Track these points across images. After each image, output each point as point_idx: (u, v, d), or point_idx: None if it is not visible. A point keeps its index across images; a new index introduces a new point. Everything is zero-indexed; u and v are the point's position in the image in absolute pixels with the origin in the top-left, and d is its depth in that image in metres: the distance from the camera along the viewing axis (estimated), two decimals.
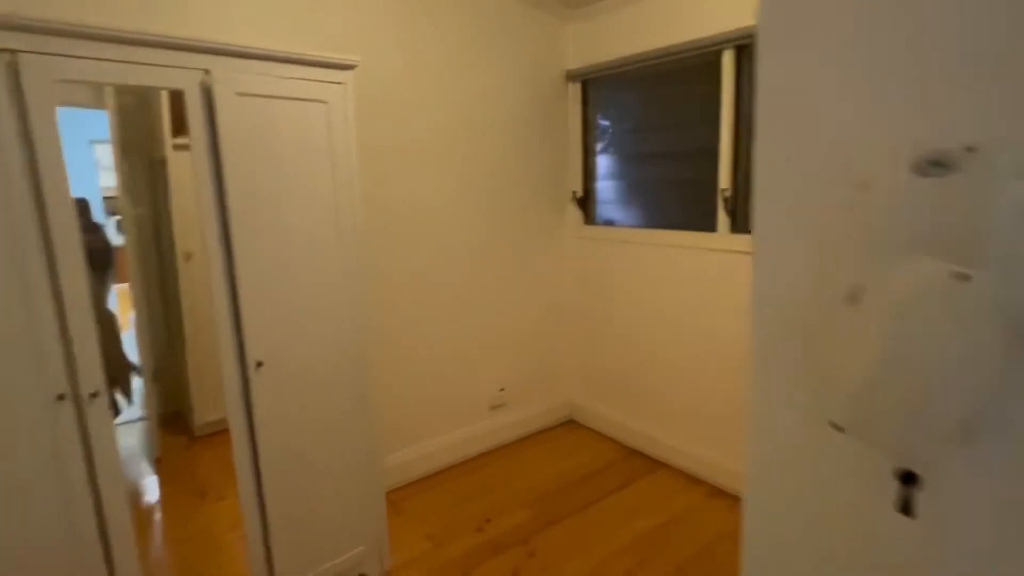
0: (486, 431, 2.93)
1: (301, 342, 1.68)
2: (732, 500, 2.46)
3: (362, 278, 1.80)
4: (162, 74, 1.40)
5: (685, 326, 2.63)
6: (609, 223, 3.03)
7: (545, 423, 3.20)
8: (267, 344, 1.60)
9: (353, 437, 1.83)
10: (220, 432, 2.74)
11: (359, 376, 1.82)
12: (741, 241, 2.35)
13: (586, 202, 3.10)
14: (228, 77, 1.46)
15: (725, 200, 2.40)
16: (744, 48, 2.27)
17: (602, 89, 2.94)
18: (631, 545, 2.17)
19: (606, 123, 2.98)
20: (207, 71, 1.44)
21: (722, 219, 2.43)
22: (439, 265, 2.64)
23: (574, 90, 3.00)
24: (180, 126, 2.49)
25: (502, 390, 2.98)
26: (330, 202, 1.70)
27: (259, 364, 1.59)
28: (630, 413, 2.96)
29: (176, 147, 2.35)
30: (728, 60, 2.31)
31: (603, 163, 3.03)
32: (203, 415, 2.68)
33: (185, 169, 2.63)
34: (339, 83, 1.66)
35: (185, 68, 1.42)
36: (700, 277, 2.53)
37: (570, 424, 3.27)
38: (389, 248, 2.45)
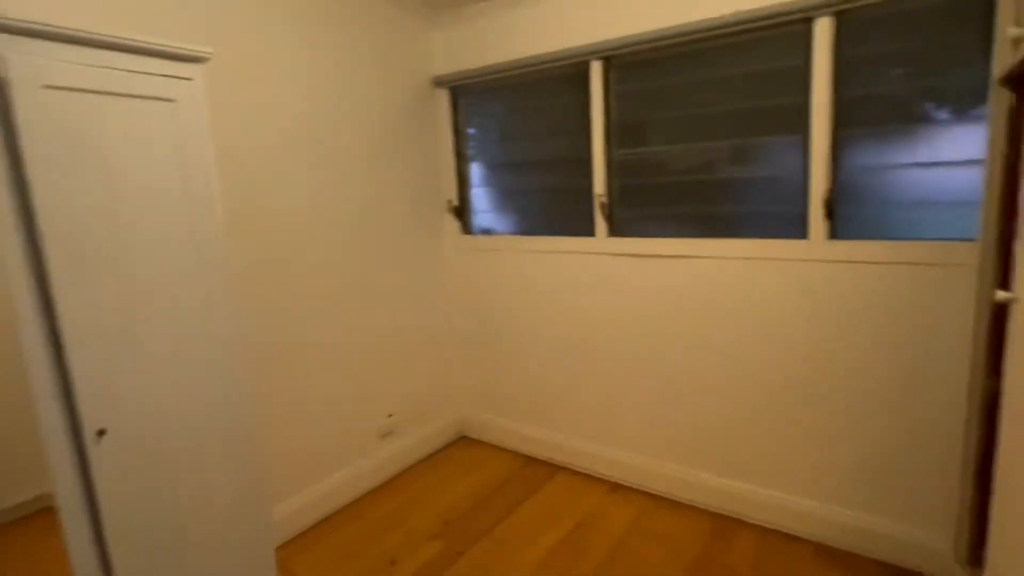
0: (377, 463, 2.69)
1: (158, 395, 1.35)
2: (631, 493, 2.56)
3: (231, 311, 1.51)
4: None
5: (571, 329, 2.67)
6: (488, 232, 2.99)
7: (437, 444, 3.05)
8: (110, 406, 1.26)
9: (232, 495, 1.53)
10: (18, 521, 2.16)
11: (237, 424, 1.53)
12: (618, 244, 2.46)
13: (463, 211, 3.02)
14: (30, 64, 1.12)
15: (602, 205, 2.49)
16: (610, 59, 2.37)
17: (472, 96, 2.89)
18: (547, 560, 2.13)
19: (477, 131, 2.94)
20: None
21: (600, 224, 2.51)
22: (311, 288, 2.36)
23: (442, 97, 2.91)
24: None
25: (390, 416, 2.77)
26: (185, 223, 1.40)
27: (101, 432, 1.24)
28: (524, 421, 2.94)
29: None
30: (596, 70, 2.40)
31: (477, 171, 2.98)
32: None
33: None
34: (188, 79, 1.38)
35: None
36: (583, 280, 2.59)
37: (463, 441, 3.16)
38: (255, 273, 2.13)
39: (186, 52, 1.36)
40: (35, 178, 1.13)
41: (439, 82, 2.87)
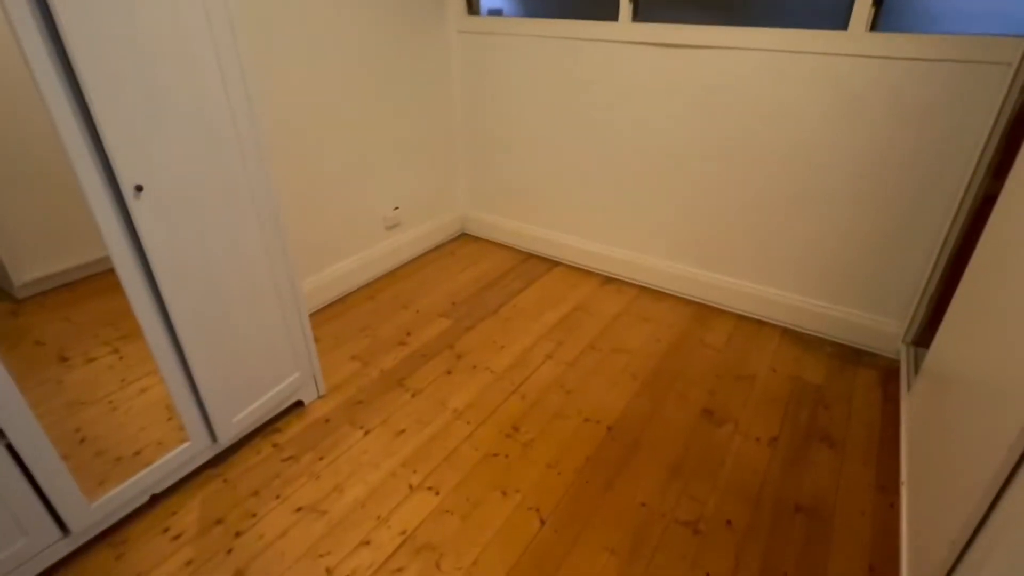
0: (385, 251, 2.82)
1: (189, 159, 1.34)
2: (621, 284, 2.78)
3: (253, 87, 1.42)
4: None
5: (582, 126, 2.61)
6: (496, 12, 2.71)
7: (440, 238, 3.17)
8: (144, 165, 1.25)
9: (266, 261, 1.62)
10: (56, 290, 2.28)
11: (266, 193, 1.55)
12: (643, 30, 2.28)
13: None
14: None
15: None
16: None
17: None
18: (547, 333, 2.38)
19: None
20: None
21: (624, 5, 2.30)
22: (316, 75, 2.19)
23: None
24: None
25: (396, 208, 2.82)
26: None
27: (139, 188, 1.25)
28: (524, 219, 3.04)
29: None
30: None
31: None
32: (23, 273, 2.18)
33: None
34: None
35: None
36: (601, 70, 2.46)
37: (465, 237, 3.28)
38: (271, 57, 1.95)
39: None
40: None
41: None
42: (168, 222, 1.34)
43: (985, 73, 1.73)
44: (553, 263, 2.98)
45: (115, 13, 1.12)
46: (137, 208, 1.26)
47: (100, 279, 2.23)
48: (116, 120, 1.18)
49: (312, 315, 2.48)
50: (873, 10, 1.86)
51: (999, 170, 1.76)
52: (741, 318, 2.50)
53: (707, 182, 2.38)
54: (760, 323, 2.46)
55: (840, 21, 1.93)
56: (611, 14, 2.35)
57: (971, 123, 1.80)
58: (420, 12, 2.60)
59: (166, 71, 1.25)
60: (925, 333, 2.10)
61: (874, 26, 1.89)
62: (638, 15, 2.31)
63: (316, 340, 2.30)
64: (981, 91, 1.75)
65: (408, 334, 2.37)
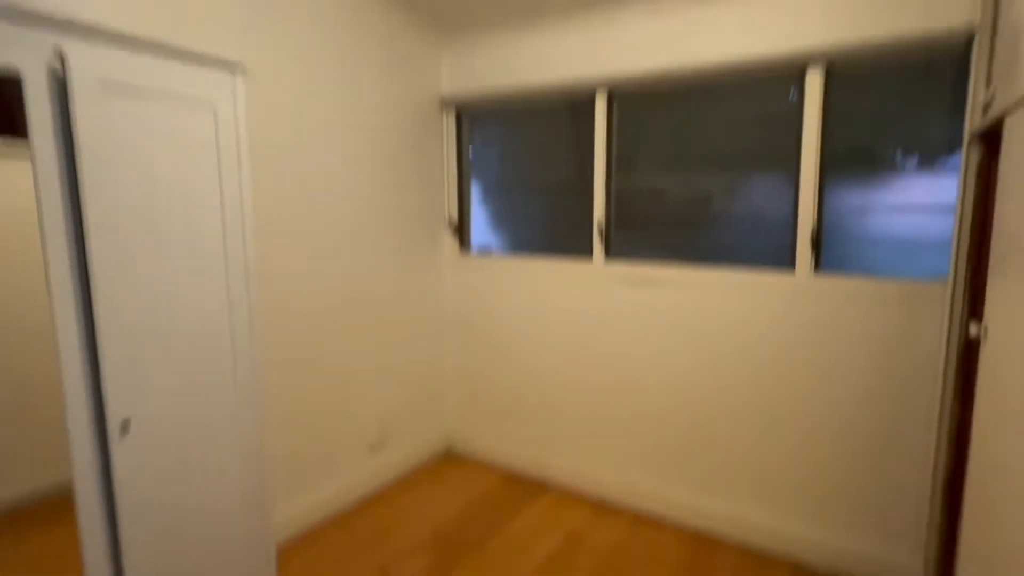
0: (366, 475, 2.70)
1: (180, 390, 1.37)
2: (614, 509, 2.62)
3: (255, 307, 1.55)
4: None
5: (561, 348, 2.75)
6: (485, 250, 3.06)
7: (425, 458, 3.07)
8: (136, 396, 1.28)
9: (241, 495, 1.54)
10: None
11: (252, 424, 1.55)
12: (614, 267, 2.56)
13: (462, 229, 3.10)
14: (87, 61, 1.16)
15: (600, 230, 2.60)
16: (614, 92, 2.51)
17: (476, 117, 3.00)
18: (538, 573, 2.16)
19: (480, 151, 3.03)
20: (60, 53, 1.13)
21: (597, 247, 2.62)
22: (312, 294, 2.39)
23: (448, 116, 3.01)
24: None
25: (380, 429, 2.79)
26: (217, 222, 1.44)
27: (125, 423, 1.25)
28: (511, 439, 2.99)
29: None
30: (600, 101, 2.53)
31: (478, 190, 3.07)
32: None
33: None
34: (226, 86, 1.43)
35: (28, 45, 1.09)
36: (577, 302, 2.68)
37: (451, 455, 3.18)
38: (264, 278, 2.15)
39: (227, 59, 1.42)
40: (84, 169, 1.16)
41: (445, 102, 2.97)
42: (149, 465, 1.31)
43: (921, 309, 1.94)
44: (542, 485, 2.85)
45: (136, 253, 1.27)
46: (120, 448, 1.25)
47: (39, 510, 2.05)
48: (115, 344, 1.23)
49: (285, 543, 2.26)
50: (813, 255, 2.14)
51: (965, 398, 1.83)
52: (745, 552, 2.31)
53: (687, 406, 2.43)
54: (767, 558, 2.27)
55: (789, 263, 2.21)
56: (587, 251, 2.67)
57: (922, 352, 1.94)
58: (417, 247, 2.92)
59: (177, 302, 1.35)
60: (944, 569, 1.94)
61: (818, 266, 2.16)
62: (610, 253, 2.62)
63: (284, 574, 2.05)
64: (923, 324, 1.93)
65: (385, 573, 2.14)
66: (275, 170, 2.17)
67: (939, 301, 1.91)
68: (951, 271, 1.82)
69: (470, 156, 3.05)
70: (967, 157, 1.73)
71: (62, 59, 1.12)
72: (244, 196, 1.51)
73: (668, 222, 2.48)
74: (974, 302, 1.73)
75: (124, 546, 1.28)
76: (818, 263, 2.16)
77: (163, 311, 1.33)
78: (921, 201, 1.99)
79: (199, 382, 1.42)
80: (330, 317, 2.47)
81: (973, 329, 1.53)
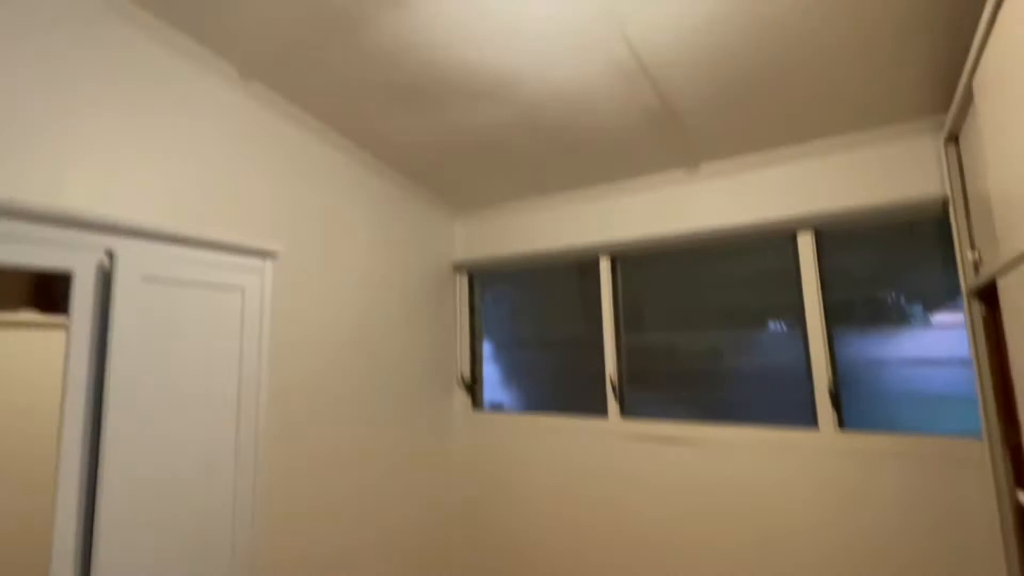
0: None
1: (175, 553, 1.28)
2: None
3: (259, 503, 1.50)
4: (48, 253, 1.18)
5: (582, 510, 2.57)
6: (498, 407, 3.02)
7: None
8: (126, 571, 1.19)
9: None
10: None
11: None
12: (630, 426, 2.49)
13: (474, 386, 3.09)
14: (135, 260, 1.28)
15: (614, 387, 2.58)
16: (617, 256, 2.66)
17: (487, 279, 3.15)
18: None
19: (491, 310, 3.14)
20: (110, 252, 1.25)
21: (612, 405, 2.58)
22: (320, 459, 2.32)
23: (461, 279, 3.17)
24: None
25: None
26: (232, 406, 1.46)
27: None
28: None
29: None
30: (604, 264, 2.68)
31: (490, 348, 3.12)
32: None
33: None
34: (257, 272, 1.55)
35: (83, 248, 1.22)
36: (594, 461, 2.57)
37: None
38: (278, 442, 2.11)
39: (262, 248, 1.56)
40: (114, 361, 1.22)
41: (458, 266, 3.15)
42: None
43: (959, 469, 1.82)
44: None
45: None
46: None
47: None
48: (111, 530, 1.18)
49: None
50: (835, 412, 2.08)
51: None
52: None
53: (722, 568, 2.19)
54: None
55: (810, 419, 2.14)
56: (601, 409, 2.61)
57: (965, 515, 1.78)
58: (431, 406, 2.89)
59: (183, 473, 1.31)
60: None
61: (842, 424, 2.08)
62: (625, 411, 2.56)
63: None
64: (963, 484, 1.80)
65: None
66: (292, 332, 2.25)
67: (978, 461, 1.80)
68: (984, 429, 1.74)
69: (482, 314, 3.15)
70: (970, 313, 1.76)
71: (111, 258, 1.24)
72: (262, 364, 1.56)
73: (681, 378, 2.47)
74: (1016, 463, 1.63)
75: None
76: (841, 419, 2.09)
77: (168, 481, 1.30)
78: (935, 353, 1.98)
79: (196, 546, 1.33)
80: (337, 479, 2.37)
81: (1022, 497, 1.42)
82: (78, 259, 1.21)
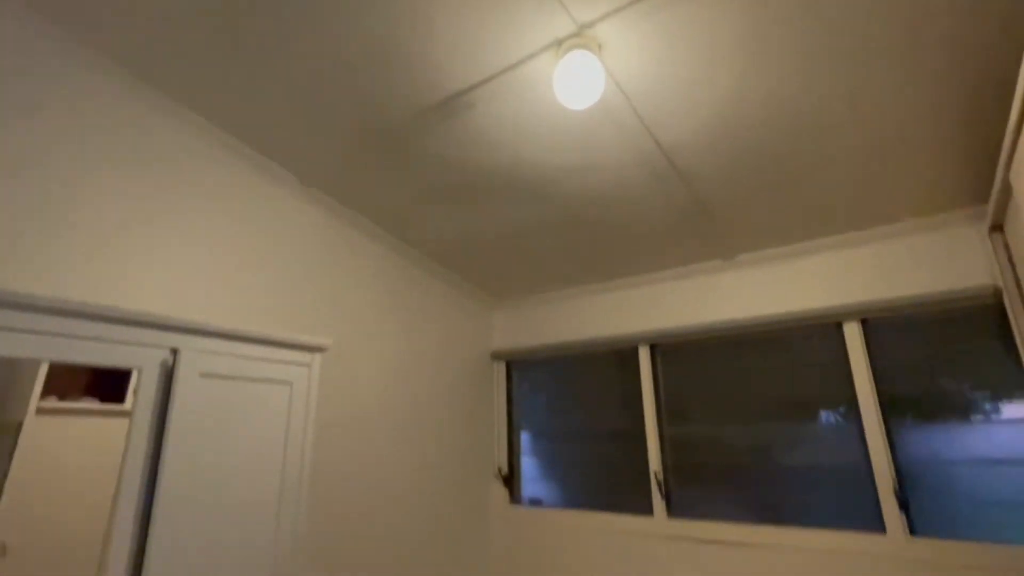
0: None
1: None
2: None
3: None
4: (116, 351, 1.26)
5: None
6: (536, 502, 2.90)
7: None
8: None
9: None
10: None
11: None
12: (678, 526, 2.34)
13: (511, 480, 3.00)
14: (195, 357, 1.36)
15: (659, 483, 2.46)
16: (656, 345, 2.64)
17: (526, 369, 3.15)
18: None
19: (530, 399, 3.11)
20: (175, 350, 1.33)
21: (658, 502, 2.45)
22: (355, 555, 2.24)
23: (499, 368, 3.18)
24: (55, 384, 2.19)
25: None
26: (273, 499, 1.47)
27: None
28: None
29: (42, 411, 2.02)
30: (644, 354, 2.65)
31: (528, 439, 3.05)
32: None
33: (47, 435, 2.22)
34: (306, 365, 1.61)
35: (149, 346, 1.30)
36: (639, 564, 2.40)
37: None
38: (319, 534, 2.07)
39: (312, 343, 1.63)
40: (170, 450, 1.26)
41: (496, 355, 3.17)
42: None
43: None
44: None
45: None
46: None
47: None
48: None
49: None
50: (904, 515, 1.91)
51: None
52: None
53: None
54: None
55: (871, 522, 1.97)
56: (645, 507, 2.47)
57: None
58: (468, 500, 2.80)
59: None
60: None
61: (912, 530, 1.91)
62: (672, 511, 2.42)
63: None
64: None
65: None
66: (333, 422, 2.27)
67: None
68: None
69: (520, 406, 3.12)
70: None
71: (175, 355, 1.32)
72: (305, 455, 1.57)
73: (729, 474, 2.34)
74: None
75: None
76: (911, 524, 1.91)
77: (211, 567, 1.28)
78: (1009, 452, 1.83)
79: None
80: (377, 565, 2.28)
81: None
82: (145, 356, 1.29)
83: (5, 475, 1.89)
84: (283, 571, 1.46)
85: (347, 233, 2.46)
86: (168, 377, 1.30)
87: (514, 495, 2.98)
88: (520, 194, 2.14)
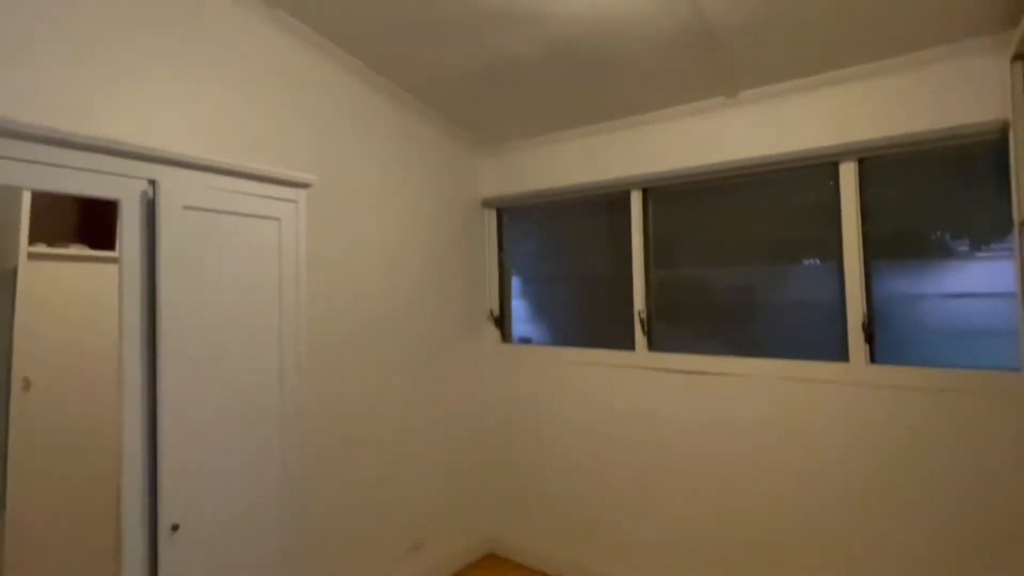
0: None
1: (227, 497, 1.39)
2: None
3: (303, 421, 1.59)
4: (94, 181, 1.22)
5: (606, 444, 2.66)
6: (526, 341, 3.08)
7: (465, 562, 2.92)
8: (186, 503, 1.30)
9: None
10: None
11: (293, 533, 1.54)
12: (657, 359, 2.53)
13: (503, 321, 3.15)
14: (176, 189, 1.31)
15: (641, 321, 2.60)
16: (648, 190, 2.61)
17: (516, 216, 3.14)
18: None
19: (521, 246, 3.15)
20: (153, 181, 1.28)
21: (639, 339, 2.60)
22: (357, 391, 2.43)
23: (489, 215, 3.16)
24: (42, 232, 2.17)
25: (421, 528, 2.70)
26: (274, 330, 1.53)
27: (174, 528, 1.27)
28: (554, 540, 2.83)
29: (33, 256, 2.02)
30: (636, 199, 2.63)
31: (519, 283, 3.14)
32: None
33: (41, 281, 2.25)
34: (293, 201, 1.58)
35: (127, 176, 1.25)
36: (620, 394, 2.63)
37: (491, 559, 3.02)
38: (317, 367, 2.22)
39: (296, 179, 1.58)
40: (163, 287, 1.28)
41: (487, 203, 3.13)
42: (194, 563, 1.31)
43: (993, 403, 1.80)
44: None
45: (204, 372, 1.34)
46: (167, 548, 1.26)
47: None
48: (174, 453, 1.28)
49: None
50: (867, 346, 2.06)
51: None
52: None
53: (740, 505, 2.27)
54: None
55: (840, 353, 2.13)
56: (629, 343, 2.64)
57: (995, 447, 1.79)
58: (461, 339, 2.97)
59: (234, 406, 1.40)
60: None
61: (873, 359, 2.07)
62: (652, 345, 2.59)
63: None
64: (998, 419, 1.79)
65: None
66: (324, 271, 2.31)
67: (1011, 393, 1.78)
68: (1022, 361, 1.72)
69: (510, 252, 3.16)
70: (1019, 244, 1.69)
71: (154, 187, 1.28)
72: (300, 299, 1.61)
73: (711, 313, 2.46)
74: None
75: None
76: (873, 353, 2.07)
77: (220, 414, 1.39)
78: (977, 288, 1.92)
79: (246, 488, 1.44)
80: (375, 411, 2.50)
81: None
82: (123, 186, 1.25)
83: (12, 316, 1.94)
84: (288, 404, 1.57)
85: (330, 70, 2.29)
86: (151, 210, 1.28)
87: (505, 335, 3.15)
88: (513, 21, 1.94)
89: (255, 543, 1.45)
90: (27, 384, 2.18)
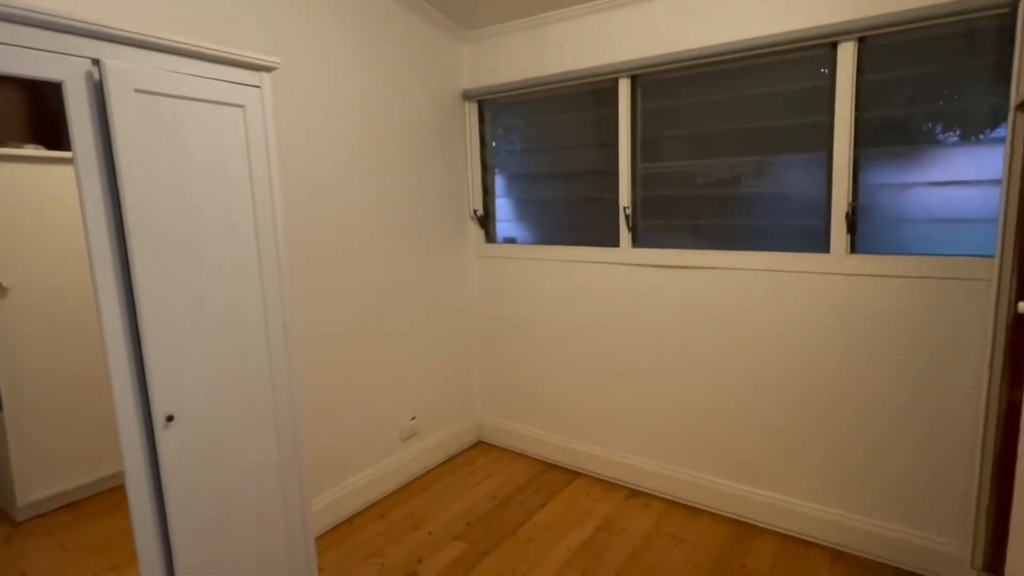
0: (399, 465, 2.74)
1: (220, 387, 1.41)
2: (648, 498, 2.60)
3: (284, 305, 1.58)
4: (29, 59, 1.10)
5: (591, 338, 2.74)
6: (510, 241, 3.06)
7: (457, 448, 3.10)
8: (178, 394, 1.32)
9: (280, 487, 1.59)
10: (55, 511, 2.20)
11: (288, 414, 1.59)
12: (642, 254, 2.53)
13: (487, 220, 3.10)
14: (124, 69, 1.20)
15: (627, 217, 2.57)
16: (637, 77, 2.47)
17: (499, 109, 2.99)
18: (571, 559, 2.17)
19: (503, 142, 3.03)
20: (96, 61, 1.16)
21: (624, 234, 2.59)
22: (345, 285, 2.43)
23: (471, 109, 3.01)
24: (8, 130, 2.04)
25: (413, 418, 2.83)
26: (249, 217, 1.47)
27: (169, 419, 1.30)
28: (542, 427, 3.00)
29: None
30: (624, 87, 2.49)
31: (502, 182, 3.06)
32: (28, 493, 2.15)
33: (4, 182, 2.14)
34: (256, 86, 1.46)
35: (67, 55, 1.13)
36: (604, 290, 2.66)
37: (481, 446, 3.21)
38: (300, 267, 2.20)
39: (257, 61, 1.45)
40: (126, 177, 1.20)
41: (468, 95, 2.96)
42: (192, 452, 1.36)
43: (967, 288, 1.86)
44: (574, 474, 2.85)
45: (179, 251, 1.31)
46: (165, 439, 1.30)
47: (99, 500, 2.19)
48: (158, 343, 1.28)
49: (318, 537, 2.32)
50: (849, 236, 2.07)
51: (1014, 379, 1.76)
52: (786, 538, 2.28)
53: (720, 392, 2.39)
54: (807, 544, 2.23)
55: (822, 245, 2.15)
56: (614, 239, 2.64)
57: (967, 332, 1.87)
58: (445, 239, 2.94)
59: (213, 298, 1.39)
60: (995, 558, 1.87)
61: (854, 249, 2.09)
62: (637, 241, 2.59)
63: (319, 568, 2.11)
64: (969, 303, 1.86)
65: (419, 561, 2.18)
66: (301, 168, 2.21)
67: (985, 278, 1.83)
68: (999, 247, 1.74)
69: (493, 148, 3.05)
70: (1013, 126, 1.65)
71: (99, 67, 1.16)
72: (274, 191, 1.54)
73: (696, 207, 2.43)
74: (1023, 277, 1.65)
75: (172, 529, 1.33)
76: (855, 244, 2.09)
77: (200, 308, 1.37)
78: (965, 176, 1.91)
79: (237, 375, 1.46)
80: (361, 309, 2.51)
81: (1022, 306, 1.46)
82: (63, 66, 1.13)
83: None
84: (272, 302, 1.55)
85: None
86: (99, 95, 1.17)
87: (490, 235, 3.12)
88: None
89: (252, 432, 1.50)
90: (2, 291, 2.14)
